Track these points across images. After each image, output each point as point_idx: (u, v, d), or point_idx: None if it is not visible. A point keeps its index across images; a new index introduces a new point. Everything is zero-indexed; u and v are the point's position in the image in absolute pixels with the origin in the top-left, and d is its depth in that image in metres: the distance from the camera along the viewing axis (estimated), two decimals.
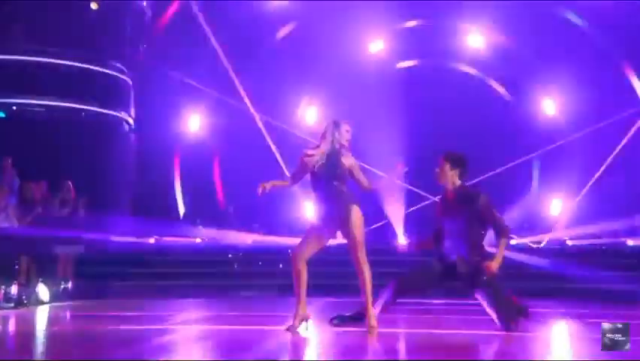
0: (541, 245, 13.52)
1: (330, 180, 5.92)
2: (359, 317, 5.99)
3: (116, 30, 14.93)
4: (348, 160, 5.99)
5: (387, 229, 13.48)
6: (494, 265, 5.91)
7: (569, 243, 13.59)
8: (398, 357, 4.95)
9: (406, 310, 7.59)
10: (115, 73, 14.73)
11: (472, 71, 15.20)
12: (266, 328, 6.32)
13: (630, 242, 12.72)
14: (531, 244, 13.48)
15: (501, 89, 15.15)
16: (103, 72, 14.51)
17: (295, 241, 6.60)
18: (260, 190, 5.93)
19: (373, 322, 5.85)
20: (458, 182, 6.17)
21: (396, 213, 12.55)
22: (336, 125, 6.03)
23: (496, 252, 5.99)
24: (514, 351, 5.16)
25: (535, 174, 15.13)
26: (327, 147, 5.98)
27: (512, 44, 14.67)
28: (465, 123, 14.29)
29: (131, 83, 15.07)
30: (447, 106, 14.50)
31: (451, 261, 6.07)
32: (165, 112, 14.91)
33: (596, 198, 13.97)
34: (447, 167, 6.16)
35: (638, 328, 5.86)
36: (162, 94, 14.55)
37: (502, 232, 6.06)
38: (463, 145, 7.07)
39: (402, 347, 5.40)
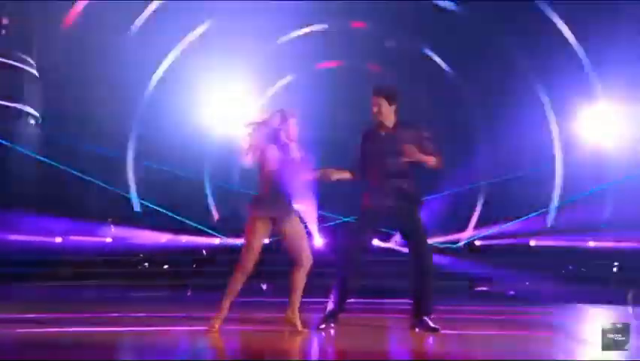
0: (459, 245, 13.82)
1: (289, 176, 5.76)
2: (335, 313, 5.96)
3: (24, 21, 14.34)
4: (297, 154, 5.86)
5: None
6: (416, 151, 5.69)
7: (477, 243, 14.00)
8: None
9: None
10: (20, 65, 14.13)
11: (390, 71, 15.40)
12: (165, 329, 6.21)
13: (533, 242, 13.27)
14: (447, 244, 13.76)
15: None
16: (5, 63, 13.90)
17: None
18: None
19: (298, 322, 5.83)
20: (394, 118, 5.88)
21: (309, 214, 12.58)
22: (283, 118, 5.75)
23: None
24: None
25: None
26: (279, 140, 5.74)
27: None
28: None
29: (38, 75, 14.50)
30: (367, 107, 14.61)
31: (387, 204, 5.79)
32: (74, 105, 14.42)
33: (499, 198, 14.45)
34: (385, 103, 5.84)
35: (528, 322, 6.13)
36: (73, 87, 14.07)
37: (438, 157, 5.82)
38: None
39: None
